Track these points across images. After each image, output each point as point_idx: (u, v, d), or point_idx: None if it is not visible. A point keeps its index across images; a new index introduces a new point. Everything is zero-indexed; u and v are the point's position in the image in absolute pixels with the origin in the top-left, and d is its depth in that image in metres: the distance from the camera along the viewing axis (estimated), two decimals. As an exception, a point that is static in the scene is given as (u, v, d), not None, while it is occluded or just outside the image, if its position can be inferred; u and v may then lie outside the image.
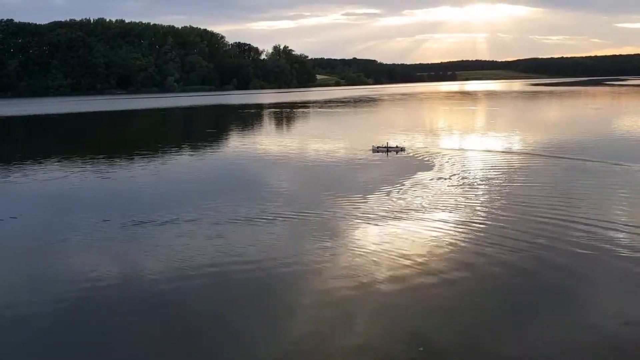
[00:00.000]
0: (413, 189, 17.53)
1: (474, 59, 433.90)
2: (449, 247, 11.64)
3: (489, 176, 19.48)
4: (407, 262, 10.65)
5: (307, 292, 9.52)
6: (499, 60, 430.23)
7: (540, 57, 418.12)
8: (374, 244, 11.91)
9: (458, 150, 27.33)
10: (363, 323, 8.33)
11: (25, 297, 9.71)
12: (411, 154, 25.27)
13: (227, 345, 7.90)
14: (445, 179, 19.18)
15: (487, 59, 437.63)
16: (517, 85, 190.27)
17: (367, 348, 7.59)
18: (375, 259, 10.92)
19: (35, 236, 13.63)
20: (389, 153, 25.22)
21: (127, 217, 14.88)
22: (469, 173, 20.24)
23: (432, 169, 21.20)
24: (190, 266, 10.89)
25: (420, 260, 10.78)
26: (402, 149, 25.92)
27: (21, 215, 15.74)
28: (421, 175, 19.79)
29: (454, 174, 20.01)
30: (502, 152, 26.28)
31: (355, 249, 11.62)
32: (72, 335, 8.32)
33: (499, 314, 8.67)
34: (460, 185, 18.10)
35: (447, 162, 23.04)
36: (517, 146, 28.20)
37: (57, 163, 26.72)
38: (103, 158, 28.26)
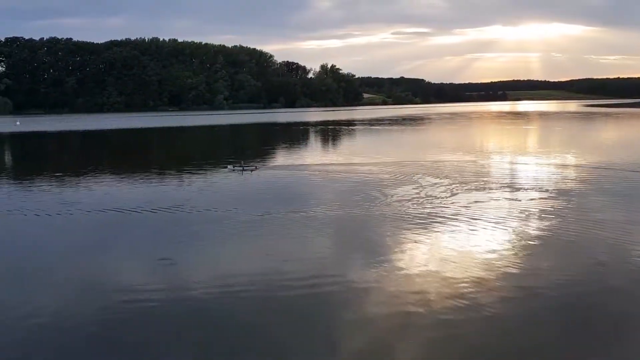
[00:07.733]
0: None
1: (525, 79, 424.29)
2: (501, 264, 11.00)
3: (546, 191, 18.63)
4: (460, 279, 10.11)
5: (355, 309, 9.11)
6: (552, 80, 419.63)
7: (595, 77, 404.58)
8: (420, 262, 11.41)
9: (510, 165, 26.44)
10: (412, 345, 7.85)
11: (71, 305, 9.65)
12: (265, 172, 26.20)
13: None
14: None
15: (540, 79, 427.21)
16: (572, 105, 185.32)
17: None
18: (425, 275, 10.44)
19: (74, 245, 13.75)
20: (243, 172, 26.52)
21: (179, 224, 14.92)
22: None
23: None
24: (237, 277, 10.66)
25: (472, 277, 10.21)
26: (256, 168, 27.52)
27: (81, 216, 15.94)
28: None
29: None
30: (565, 165, 25.27)
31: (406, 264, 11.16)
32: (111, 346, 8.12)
33: (554, 340, 8.00)
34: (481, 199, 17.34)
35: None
36: (576, 161, 27.09)
37: (115, 174, 27.25)
38: (160, 169, 28.77)
